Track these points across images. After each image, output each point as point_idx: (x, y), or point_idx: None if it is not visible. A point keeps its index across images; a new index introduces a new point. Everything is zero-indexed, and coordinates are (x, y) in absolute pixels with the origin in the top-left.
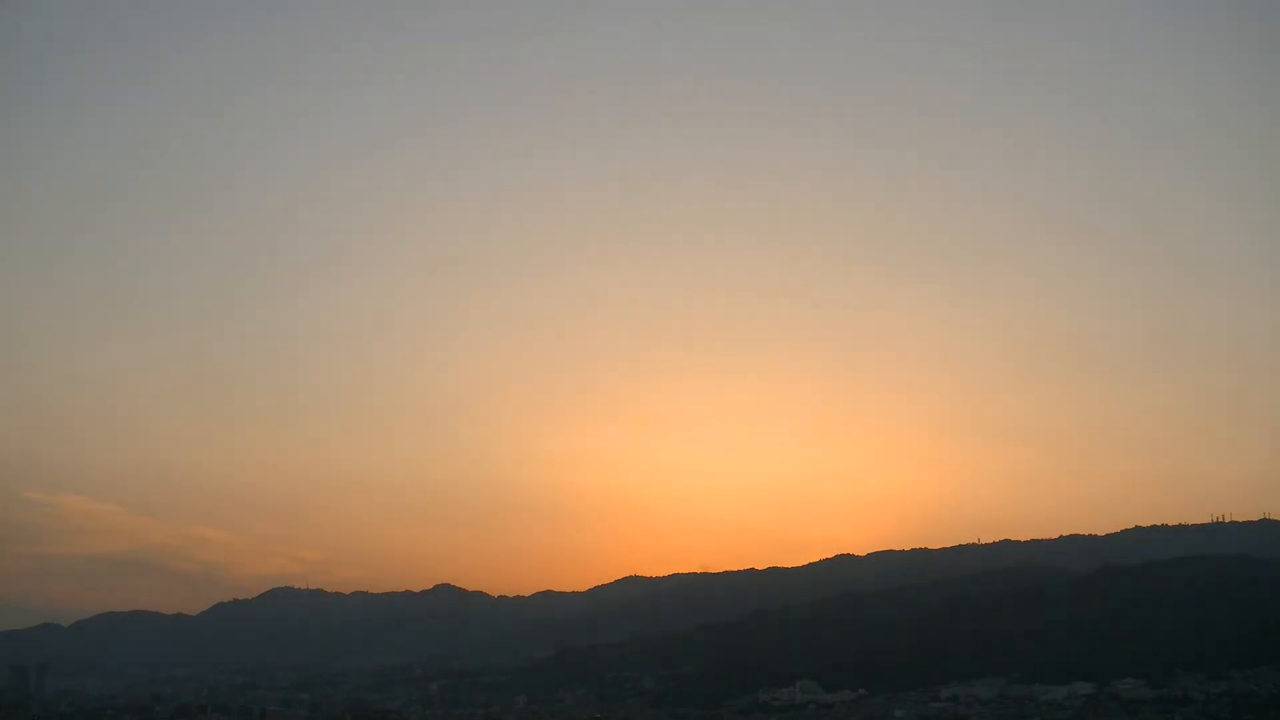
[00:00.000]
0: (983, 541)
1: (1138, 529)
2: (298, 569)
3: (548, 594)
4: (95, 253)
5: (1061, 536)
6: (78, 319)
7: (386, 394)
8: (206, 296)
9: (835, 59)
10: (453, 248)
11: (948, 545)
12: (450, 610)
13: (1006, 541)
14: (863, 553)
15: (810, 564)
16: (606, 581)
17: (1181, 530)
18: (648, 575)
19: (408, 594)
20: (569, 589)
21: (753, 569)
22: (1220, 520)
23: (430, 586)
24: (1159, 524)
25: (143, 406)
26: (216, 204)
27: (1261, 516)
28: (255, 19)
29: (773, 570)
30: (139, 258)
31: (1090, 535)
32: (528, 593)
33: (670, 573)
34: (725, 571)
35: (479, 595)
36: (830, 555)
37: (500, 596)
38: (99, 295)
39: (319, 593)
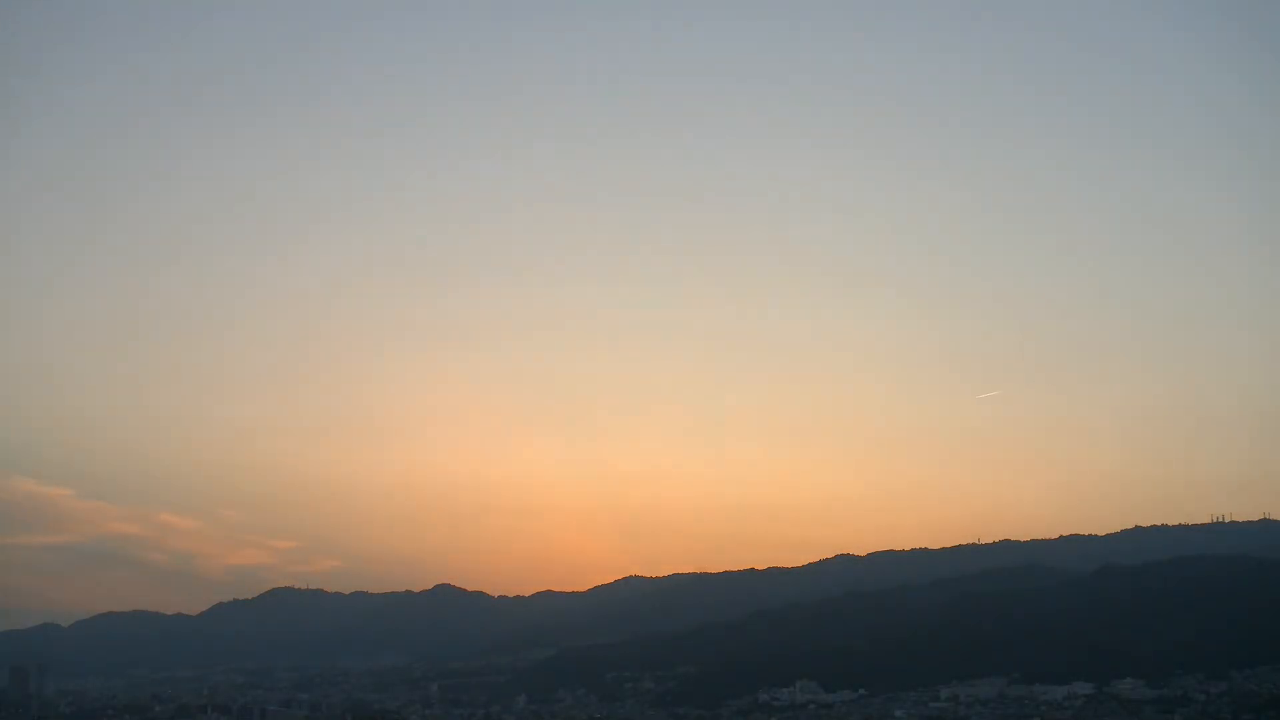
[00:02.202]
0: (983, 541)
1: (1138, 529)
2: (271, 560)
3: (548, 594)
4: (51, 223)
5: (1061, 536)
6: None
7: (371, 390)
8: (177, 270)
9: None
10: (450, 247)
11: (948, 545)
12: (450, 610)
13: (1006, 541)
14: (863, 553)
15: (810, 564)
16: (606, 581)
17: (1181, 530)
18: (648, 575)
19: (408, 594)
20: (569, 589)
21: (753, 569)
22: (1220, 520)
23: (430, 586)
24: (1159, 524)
25: (96, 386)
26: (194, 187)
27: (1261, 516)
28: (237, 7)
29: (773, 570)
30: (91, 224)
31: (1090, 535)
32: (528, 593)
33: (670, 573)
34: (725, 571)
35: (479, 595)
36: (830, 555)
37: (500, 596)
38: (55, 268)
39: (319, 593)
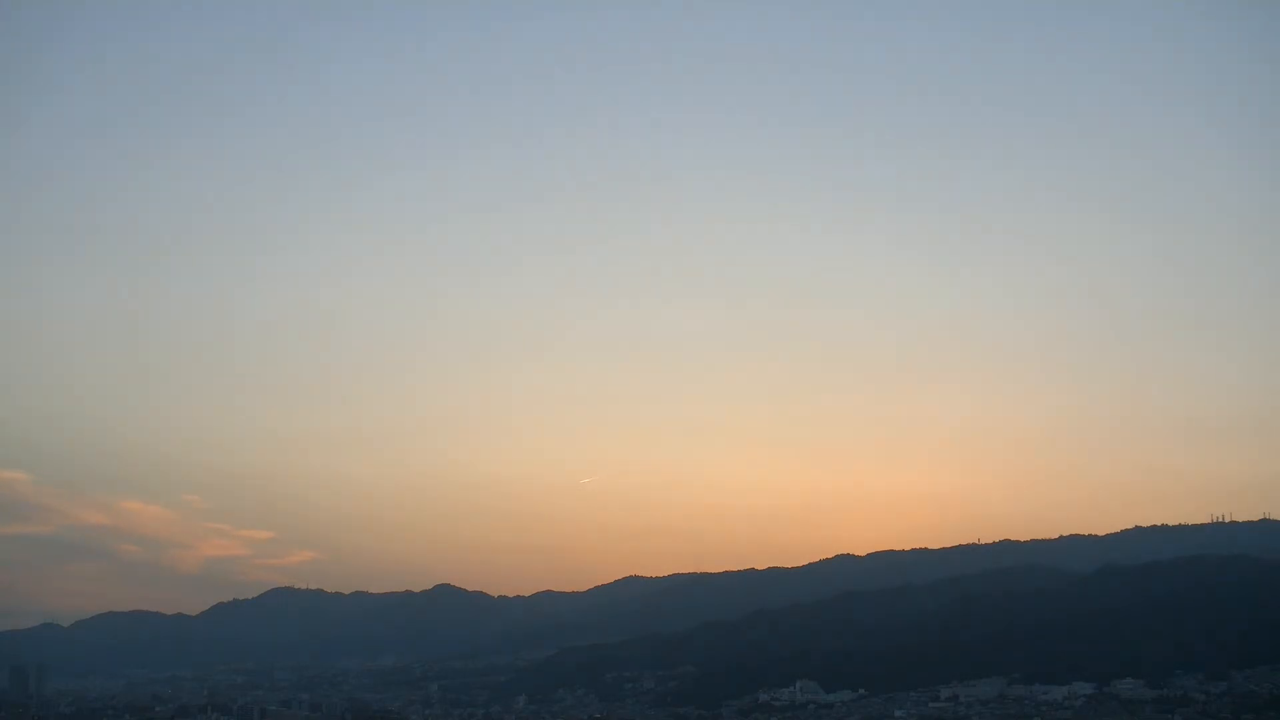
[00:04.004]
0: (983, 541)
1: (1138, 529)
2: (245, 551)
3: (548, 594)
4: (25, 217)
5: (1061, 536)
6: None
7: (367, 391)
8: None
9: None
10: (447, 249)
11: (948, 545)
12: (450, 610)
13: (1006, 541)
14: (863, 553)
15: (810, 564)
16: (606, 581)
17: (1181, 530)
18: (648, 575)
19: (408, 594)
20: (569, 589)
21: (753, 569)
22: (1220, 520)
23: (430, 586)
24: (1159, 524)
25: (51, 363)
26: (181, 185)
27: (1261, 516)
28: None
29: (773, 570)
30: (66, 218)
31: (1090, 535)
32: (528, 593)
33: (670, 573)
34: (725, 571)
35: (479, 595)
36: (830, 555)
37: (500, 596)
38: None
39: (319, 593)
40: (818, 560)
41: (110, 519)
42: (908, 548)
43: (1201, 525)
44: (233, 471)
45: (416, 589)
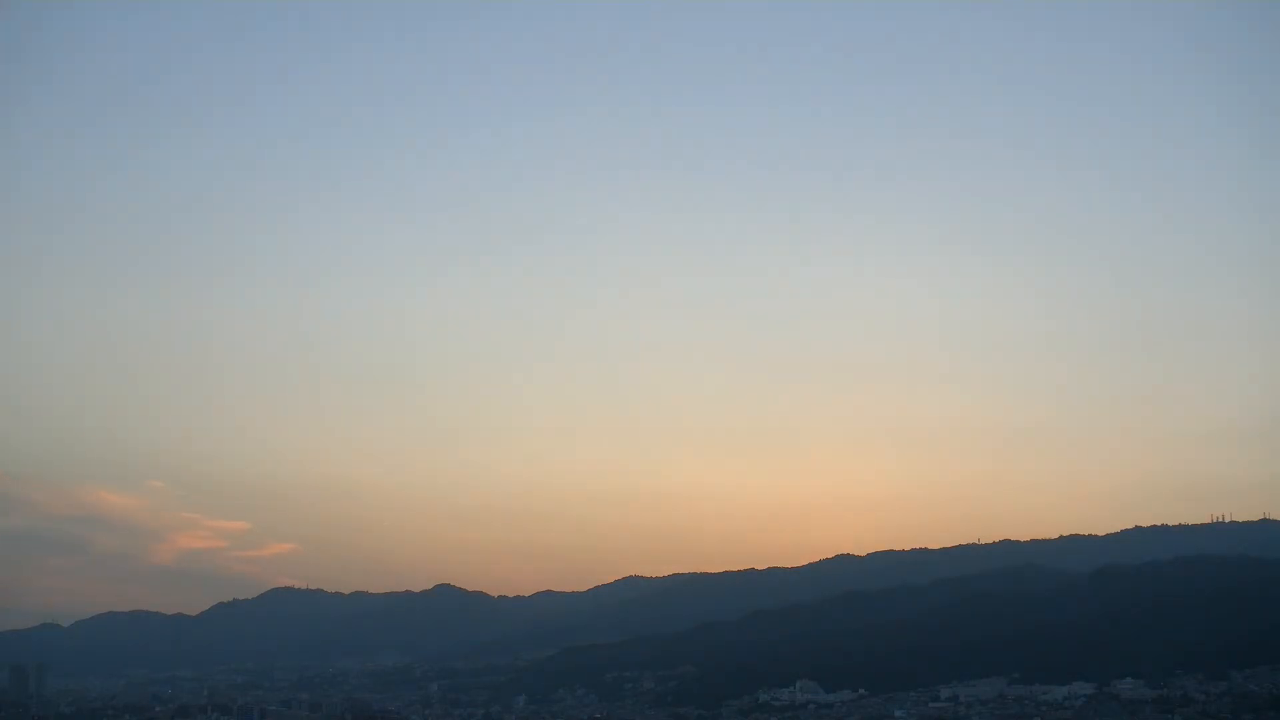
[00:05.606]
0: (983, 541)
1: (1138, 529)
2: (221, 543)
3: (548, 594)
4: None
5: (1061, 536)
6: None
7: (367, 390)
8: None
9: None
10: (448, 245)
11: (948, 545)
12: (450, 610)
13: (1006, 541)
14: (863, 553)
15: (810, 564)
16: (606, 581)
17: (1181, 530)
18: (648, 575)
19: (408, 594)
20: (569, 589)
21: (753, 569)
22: (1220, 520)
23: (430, 586)
24: (1159, 524)
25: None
26: (161, 158)
27: (1261, 516)
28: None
29: (773, 570)
30: (48, 214)
31: (1090, 535)
32: (528, 593)
33: (670, 573)
34: (725, 571)
35: (479, 595)
36: (830, 555)
37: (500, 596)
38: None
39: (319, 592)
40: (818, 560)
41: (77, 509)
42: (908, 548)
43: (1201, 525)
44: (200, 461)
45: (416, 589)
